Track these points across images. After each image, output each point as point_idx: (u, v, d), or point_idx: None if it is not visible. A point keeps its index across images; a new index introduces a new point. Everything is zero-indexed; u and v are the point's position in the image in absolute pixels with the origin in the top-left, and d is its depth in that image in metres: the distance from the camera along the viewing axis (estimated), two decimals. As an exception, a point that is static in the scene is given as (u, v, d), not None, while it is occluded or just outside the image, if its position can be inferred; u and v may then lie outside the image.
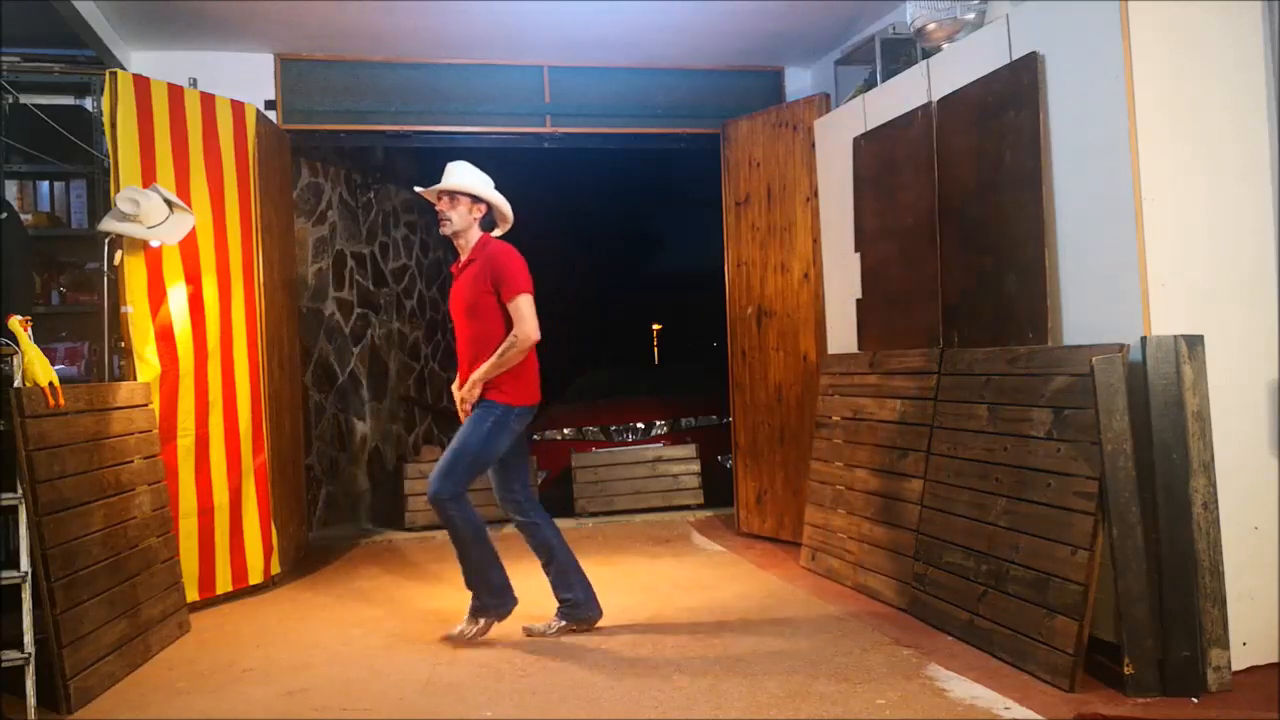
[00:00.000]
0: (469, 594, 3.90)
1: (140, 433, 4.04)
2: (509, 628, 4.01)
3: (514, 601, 3.92)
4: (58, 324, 4.87)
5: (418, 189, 4.04)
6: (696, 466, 6.91)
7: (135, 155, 4.38)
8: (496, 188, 3.97)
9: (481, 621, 3.86)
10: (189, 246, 4.50)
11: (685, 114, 6.16)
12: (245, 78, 5.49)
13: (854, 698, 3.06)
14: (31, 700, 3.21)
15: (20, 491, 3.26)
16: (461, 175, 3.89)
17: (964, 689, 3.10)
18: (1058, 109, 3.49)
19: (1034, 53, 3.57)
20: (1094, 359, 3.06)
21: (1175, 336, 3.03)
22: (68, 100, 5.14)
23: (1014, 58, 3.68)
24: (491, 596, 3.86)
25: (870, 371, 4.59)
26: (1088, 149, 3.36)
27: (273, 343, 5.11)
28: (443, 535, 6.25)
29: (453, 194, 3.87)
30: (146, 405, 4.15)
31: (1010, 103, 3.68)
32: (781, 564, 5.02)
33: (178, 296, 4.46)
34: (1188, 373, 3.02)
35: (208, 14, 4.96)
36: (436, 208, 3.93)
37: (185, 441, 4.46)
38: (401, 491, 6.55)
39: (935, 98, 4.18)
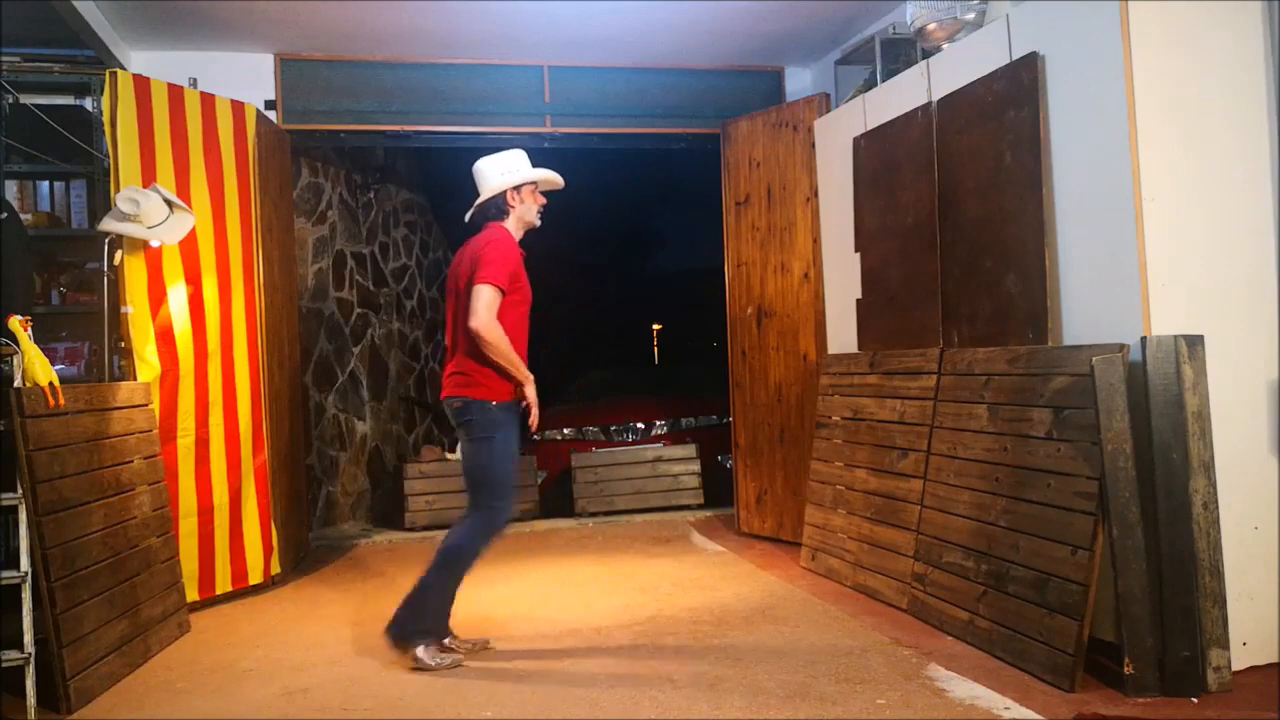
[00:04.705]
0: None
1: (140, 433, 4.04)
2: (508, 627, 4.01)
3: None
4: (58, 324, 4.87)
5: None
6: (696, 466, 6.91)
7: (135, 155, 4.38)
8: None
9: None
10: (189, 246, 4.50)
11: (685, 114, 6.16)
12: (245, 78, 5.48)
13: (854, 698, 3.06)
14: (31, 700, 3.21)
15: (20, 491, 3.26)
16: (487, 180, 3.72)
17: (964, 689, 3.10)
18: (1058, 109, 3.49)
19: (1034, 53, 3.57)
20: (1094, 359, 3.06)
21: (1175, 336, 3.03)
22: (68, 100, 5.14)
23: (1014, 58, 3.68)
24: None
25: (870, 371, 4.59)
26: (1088, 149, 3.36)
27: (273, 343, 5.11)
28: (442, 535, 6.26)
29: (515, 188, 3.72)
30: (146, 405, 4.15)
31: (1010, 103, 3.68)
32: (781, 564, 5.02)
33: (178, 296, 4.46)
34: (1188, 373, 3.02)
35: (208, 14, 4.96)
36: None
37: (185, 441, 4.46)
38: (402, 491, 6.54)
39: (935, 98, 4.18)
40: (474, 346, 3.53)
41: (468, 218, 3.80)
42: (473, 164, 3.80)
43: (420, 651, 3.51)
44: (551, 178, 3.81)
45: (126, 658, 3.61)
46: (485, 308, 3.46)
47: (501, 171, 3.71)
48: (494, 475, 3.58)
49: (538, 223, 3.78)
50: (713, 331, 10.91)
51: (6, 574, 3.28)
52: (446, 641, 3.65)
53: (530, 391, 3.60)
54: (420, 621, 3.55)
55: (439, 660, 3.52)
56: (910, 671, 3.28)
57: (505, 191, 3.70)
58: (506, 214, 3.71)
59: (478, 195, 3.74)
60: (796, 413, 5.50)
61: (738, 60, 6.12)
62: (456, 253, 3.80)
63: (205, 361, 4.57)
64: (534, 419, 3.65)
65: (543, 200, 3.80)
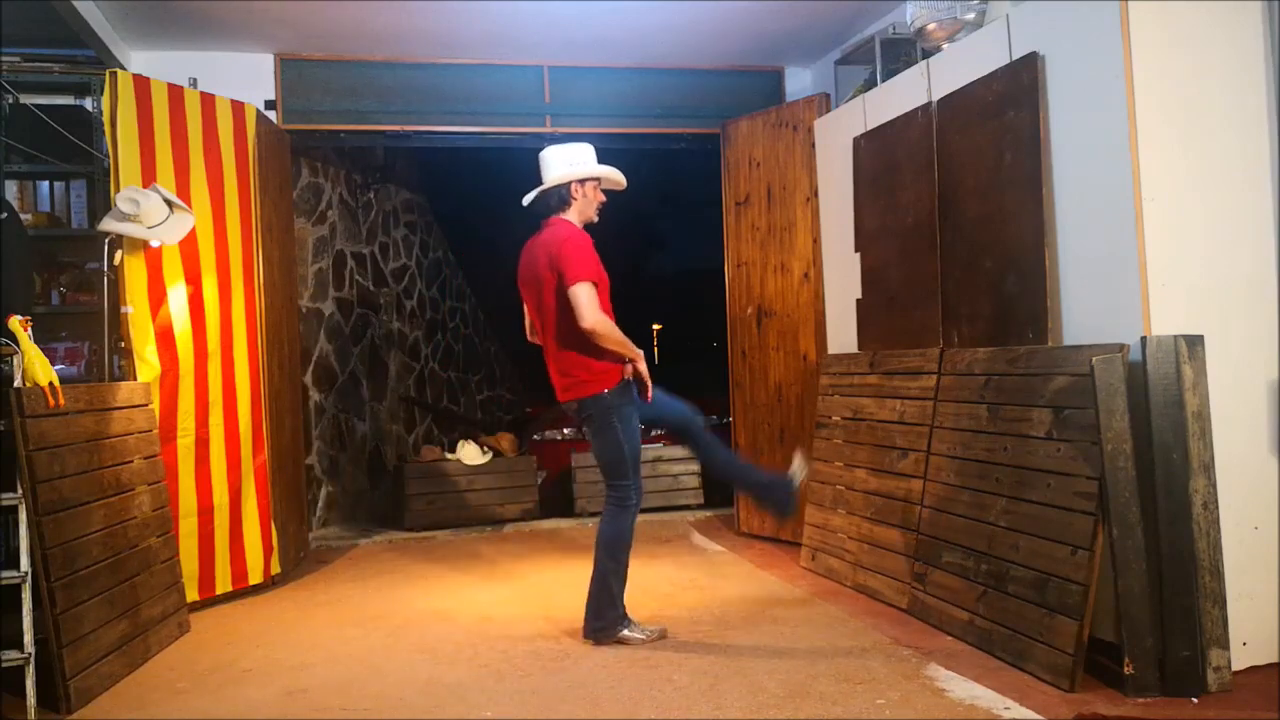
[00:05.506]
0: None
1: (140, 433, 4.04)
2: (508, 627, 4.01)
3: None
4: (58, 324, 4.86)
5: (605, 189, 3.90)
6: (696, 466, 6.91)
7: (135, 155, 4.38)
8: (496, 187, 3.94)
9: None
10: (189, 246, 4.50)
11: (685, 114, 6.17)
12: (245, 78, 5.49)
13: (854, 698, 3.06)
14: (31, 700, 3.21)
15: (20, 491, 3.26)
16: (551, 169, 3.79)
17: (964, 689, 3.10)
18: (1058, 109, 3.49)
19: (1034, 53, 3.57)
20: (1094, 359, 3.06)
21: (1175, 336, 3.03)
22: (68, 100, 5.14)
23: (1014, 58, 3.68)
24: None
25: (870, 371, 4.59)
26: (1088, 149, 3.36)
27: (273, 343, 5.11)
28: (443, 535, 6.29)
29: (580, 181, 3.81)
30: (146, 405, 4.15)
31: (1010, 103, 3.68)
32: (781, 564, 5.02)
33: (178, 296, 4.45)
34: (1188, 373, 3.02)
35: (208, 14, 4.96)
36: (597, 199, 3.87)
37: (185, 441, 4.45)
38: (402, 491, 6.54)
39: (935, 98, 4.18)
40: (569, 344, 3.67)
41: (526, 202, 3.86)
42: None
43: (626, 633, 3.71)
44: (616, 176, 3.90)
45: (126, 658, 3.61)
46: (588, 306, 3.57)
47: (569, 162, 3.80)
48: (626, 457, 3.72)
49: (595, 218, 3.89)
50: (713, 331, 10.92)
51: (6, 574, 3.28)
52: None
53: (642, 366, 3.71)
54: (615, 609, 3.73)
55: (647, 632, 3.72)
56: (910, 671, 3.28)
57: (570, 183, 3.78)
58: (568, 205, 3.80)
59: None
60: (796, 413, 5.50)
61: (738, 60, 6.12)
62: (524, 250, 3.85)
63: (205, 361, 4.57)
64: (649, 392, 3.75)
65: (603, 198, 3.89)
